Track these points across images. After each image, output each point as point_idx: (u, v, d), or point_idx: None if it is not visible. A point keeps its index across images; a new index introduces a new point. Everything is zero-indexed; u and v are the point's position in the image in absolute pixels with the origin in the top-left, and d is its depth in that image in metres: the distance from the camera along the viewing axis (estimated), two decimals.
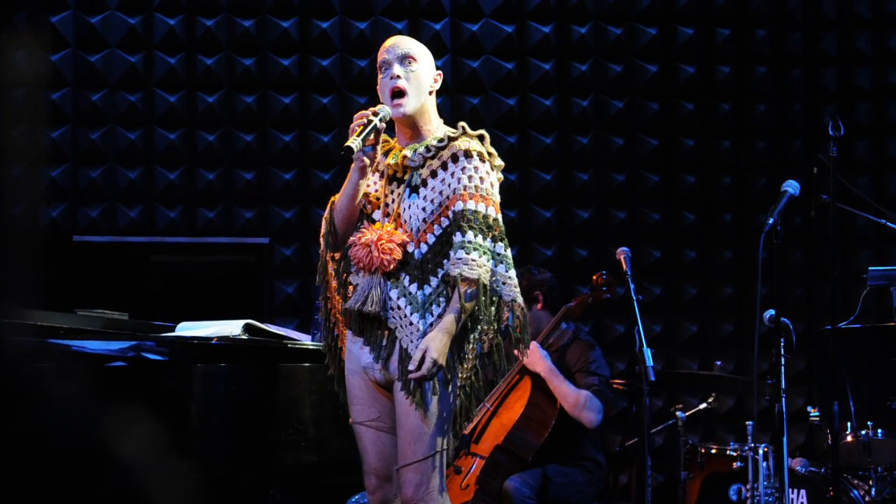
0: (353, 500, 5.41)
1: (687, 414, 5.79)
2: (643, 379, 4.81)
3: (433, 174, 3.74)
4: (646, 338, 4.87)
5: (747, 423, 5.48)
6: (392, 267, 3.70)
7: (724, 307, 7.30)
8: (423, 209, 3.72)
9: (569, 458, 5.49)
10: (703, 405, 6.07)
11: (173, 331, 4.50)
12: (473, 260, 3.61)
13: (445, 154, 3.73)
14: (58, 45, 6.91)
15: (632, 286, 4.96)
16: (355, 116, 3.72)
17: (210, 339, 4.23)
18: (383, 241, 3.70)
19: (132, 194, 6.97)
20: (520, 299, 3.71)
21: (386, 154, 3.83)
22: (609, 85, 7.31)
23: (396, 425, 3.73)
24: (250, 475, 4.33)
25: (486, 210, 3.68)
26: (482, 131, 3.80)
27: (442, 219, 3.71)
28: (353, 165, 3.75)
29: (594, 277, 5.60)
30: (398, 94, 3.74)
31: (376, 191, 3.83)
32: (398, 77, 3.73)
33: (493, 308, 3.65)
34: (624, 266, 5.03)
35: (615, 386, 5.89)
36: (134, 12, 7.01)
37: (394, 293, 3.72)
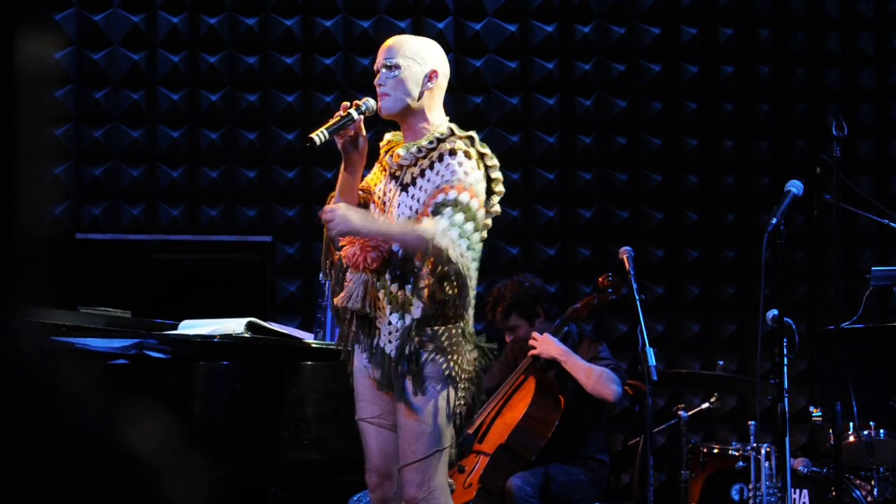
0: (355, 498, 5.41)
1: (689, 413, 5.78)
2: (646, 378, 4.81)
3: (422, 173, 3.76)
4: (648, 337, 4.87)
5: (749, 422, 5.47)
6: (375, 265, 3.70)
7: (726, 307, 7.30)
8: (410, 207, 3.75)
9: (572, 458, 5.49)
10: (705, 405, 6.06)
11: (176, 329, 4.50)
12: (448, 235, 3.59)
13: (434, 155, 3.76)
14: (61, 43, 6.91)
15: (635, 286, 4.96)
16: (341, 106, 3.79)
17: (212, 337, 4.23)
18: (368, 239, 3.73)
19: (135, 192, 6.97)
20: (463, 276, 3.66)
21: (388, 153, 3.87)
22: (612, 84, 7.31)
23: (397, 424, 3.73)
24: (252, 473, 4.33)
25: (470, 201, 3.66)
26: (472, 133, 3.81)
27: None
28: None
29: (600, 279, 5.59)
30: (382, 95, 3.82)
31: (380, 190, 3.86)
32: (381, 85, 3.80)
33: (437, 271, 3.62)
34: (627, 266, 5.03)
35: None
36: (137, 10, 7.01)
37: (381, 293, 3.73)
